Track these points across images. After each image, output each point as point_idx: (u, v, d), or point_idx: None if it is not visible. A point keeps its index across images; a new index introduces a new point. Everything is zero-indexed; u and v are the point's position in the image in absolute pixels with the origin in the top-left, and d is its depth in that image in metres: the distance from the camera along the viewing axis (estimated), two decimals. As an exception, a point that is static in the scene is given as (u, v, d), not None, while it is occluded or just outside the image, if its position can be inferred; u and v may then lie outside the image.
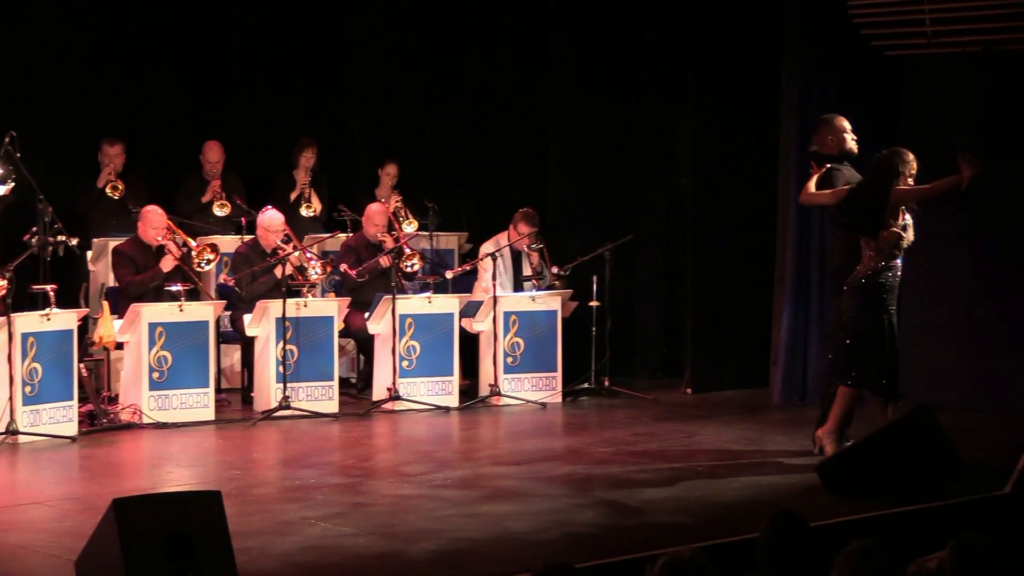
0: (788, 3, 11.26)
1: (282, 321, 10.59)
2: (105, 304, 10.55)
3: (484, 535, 7.28)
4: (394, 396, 10.88)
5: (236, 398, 11.40)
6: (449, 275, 11.85)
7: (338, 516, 7.67)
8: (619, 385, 11.64)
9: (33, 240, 10.22)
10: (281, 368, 10.59)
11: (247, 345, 11.20)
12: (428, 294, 11.34)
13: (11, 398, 9.51)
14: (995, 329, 10.81)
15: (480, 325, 11.37)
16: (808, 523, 4.99)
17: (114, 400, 10.51)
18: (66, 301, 10.30)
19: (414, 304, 11.12)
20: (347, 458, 9.39)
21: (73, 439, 9.74)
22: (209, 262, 10.91)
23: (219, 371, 11.44)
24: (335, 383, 10.83)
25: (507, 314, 11.32)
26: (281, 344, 10.61)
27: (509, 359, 11.31)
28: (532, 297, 11.54)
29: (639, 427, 10.34)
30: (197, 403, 10.46)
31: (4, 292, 9.69)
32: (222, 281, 11.45)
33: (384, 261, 11.40)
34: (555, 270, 11.72)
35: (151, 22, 12.68)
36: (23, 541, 7.21)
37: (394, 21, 13.41)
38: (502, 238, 11.76)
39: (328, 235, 11.92)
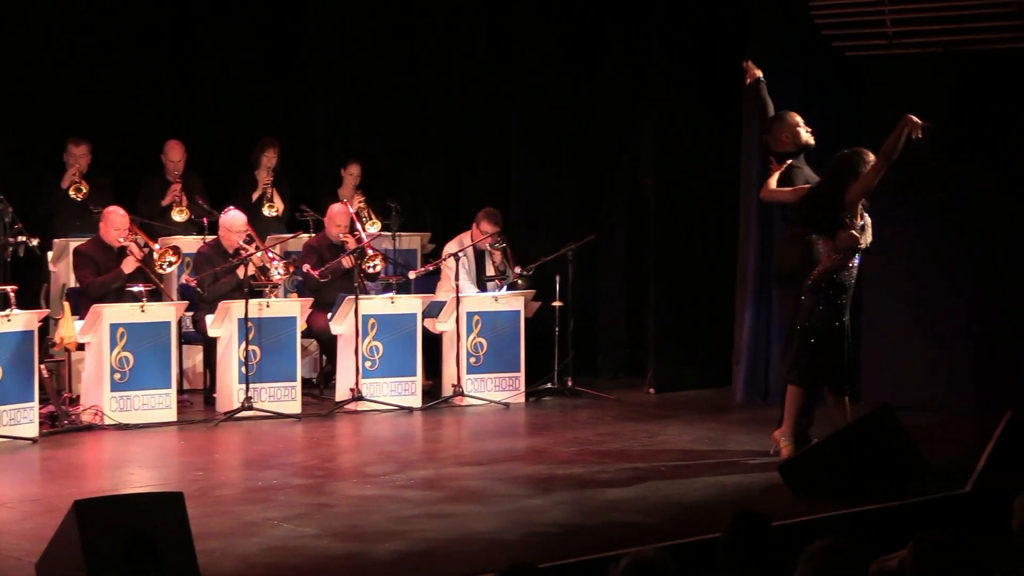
0: (751, 4, 11.29)
1: (244, 322, 10.56)
2: (66, 305, 10.49)
3: (447, 535, 7.27)
4: (357, 396, 10.86)
5: (198, 399, 11.36)
6: (412, 275, 11.82)
7: (301, 517, 7.65)
8: (582, 385, 11.65)
9: (-7, 241, 10.19)
10: (244, 369, 10.55)
11: (209, 346, 11.16)
12: (391, 294, 11.33)
13: (-29, 399, 9.47)
14: (957, 329, 10.86)
15: (443, 325, 11.36)
16: (770, 522, 5.01)
17: (75, 401, 10.46)
18: (27, 302, 10.24)
19: (377, 304, 11.10)
20: (310, 459, 9.37)
21: (34, 440, 9.68)
22: (171, 264, 10.86)
23: (181, 372, 11.39)
24: (298, 384, 10.80)
25: (470, 314, 11.31)
26: (243, 345, 10.57)
27: (472, 359, 11.30)
28: (495, 297, 11.53)
29: (602, 427, 10.35)
30: (159, 404, 10.41)
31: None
32: (184, 282, 11.40)
33: (347, 262, 11.37)
34: (518, 270, 11.71)
35: (117, 22, 12.61)
36: (-17, 543, 7.16)
37: (357, 21, 13.39)
38: (465, 238, 11.74)
39: (291, 235, 11.87)
